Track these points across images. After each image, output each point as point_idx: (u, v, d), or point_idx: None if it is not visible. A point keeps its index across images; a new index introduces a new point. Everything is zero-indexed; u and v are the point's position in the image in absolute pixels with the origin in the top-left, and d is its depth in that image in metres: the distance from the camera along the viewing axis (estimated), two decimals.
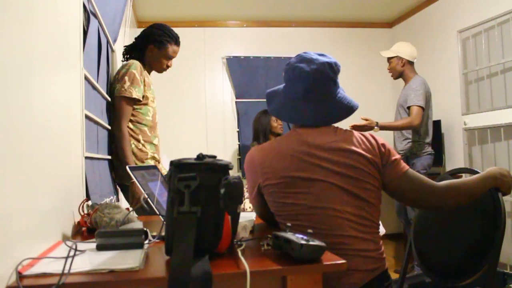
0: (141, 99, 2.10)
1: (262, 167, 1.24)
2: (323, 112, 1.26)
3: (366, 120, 3.13)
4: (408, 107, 3.13)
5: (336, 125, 1.31)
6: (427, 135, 3.23)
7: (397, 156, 1.26)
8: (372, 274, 1.17)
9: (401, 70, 3.26)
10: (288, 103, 1.29)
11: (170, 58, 2.26)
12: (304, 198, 1.19)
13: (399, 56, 3.25)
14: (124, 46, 2.35)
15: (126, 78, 2.05)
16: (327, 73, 1.24)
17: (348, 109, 1.28)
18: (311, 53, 1.30)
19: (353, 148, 1.21)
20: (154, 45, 2.21)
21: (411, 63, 3.28)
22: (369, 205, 1.21)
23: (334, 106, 1.27)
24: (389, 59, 3.32)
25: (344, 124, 1.63)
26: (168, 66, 2.29)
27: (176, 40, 2.26)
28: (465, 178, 1.30)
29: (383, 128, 3.15)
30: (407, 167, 1.26)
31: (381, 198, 1.26)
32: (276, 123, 3.62)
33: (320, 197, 1.18)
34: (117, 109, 2.06)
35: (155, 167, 1.56)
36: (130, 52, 2.28)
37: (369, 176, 1.21)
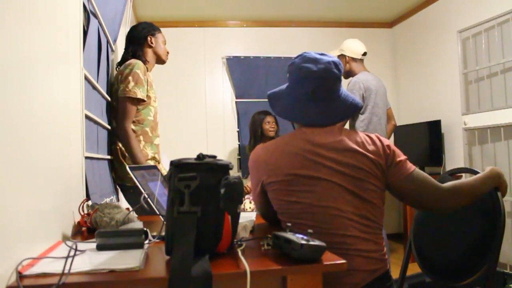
0: (145, 99, 2.11)
1: (266, 164, 1.25)
2: (332, 111, 1.27)
3: None
4: None
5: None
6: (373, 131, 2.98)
7: (403, 158, 1.25)
8: (373, 275, 1.17)
9: (346, 68, 3.09)
10: (296, 104, 1.29)
11: (165, 43, 2.35)
12: (307, 197, 1.19)
13: (343, 54, 3.10)
14: (121, 59, 2.30)
15: (130, 78, 2.04)
16: (334, 72, 1.25)
17: (353, 107, 1.29)
18: (312, 53, 1.30)
19: (357, 148, 1.21)
20: (151, 36, 2.26)
21: (357, 60, 3.10)
22: (371, 206, 1.21)
23: (340, 105, 1.28)
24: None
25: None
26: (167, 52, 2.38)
27: (157, 28, 2.35)
28: (468, 179, 1.30)
29: None
30: (413, 168, 1.25)
31: (385, 199, 1.25)
32: (268, 126, 3.64)
33: (323, 196, 1.18)
34: (121, 110, 2.06)
35: (155, 167, 1.56)
36: (127, 59, 2.21)
37: (372, 177, 1.21)
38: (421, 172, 1.26)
